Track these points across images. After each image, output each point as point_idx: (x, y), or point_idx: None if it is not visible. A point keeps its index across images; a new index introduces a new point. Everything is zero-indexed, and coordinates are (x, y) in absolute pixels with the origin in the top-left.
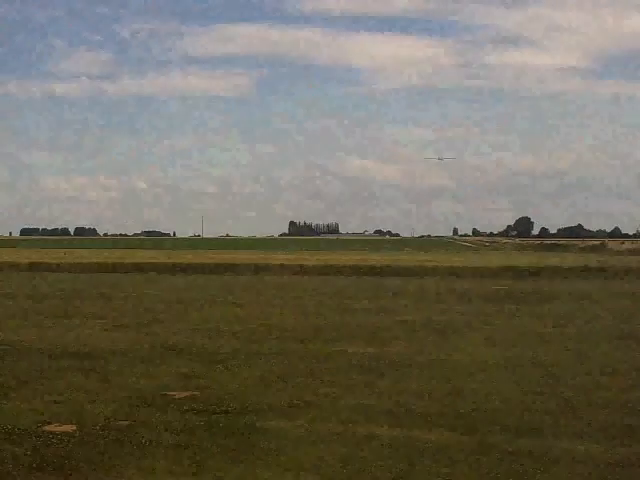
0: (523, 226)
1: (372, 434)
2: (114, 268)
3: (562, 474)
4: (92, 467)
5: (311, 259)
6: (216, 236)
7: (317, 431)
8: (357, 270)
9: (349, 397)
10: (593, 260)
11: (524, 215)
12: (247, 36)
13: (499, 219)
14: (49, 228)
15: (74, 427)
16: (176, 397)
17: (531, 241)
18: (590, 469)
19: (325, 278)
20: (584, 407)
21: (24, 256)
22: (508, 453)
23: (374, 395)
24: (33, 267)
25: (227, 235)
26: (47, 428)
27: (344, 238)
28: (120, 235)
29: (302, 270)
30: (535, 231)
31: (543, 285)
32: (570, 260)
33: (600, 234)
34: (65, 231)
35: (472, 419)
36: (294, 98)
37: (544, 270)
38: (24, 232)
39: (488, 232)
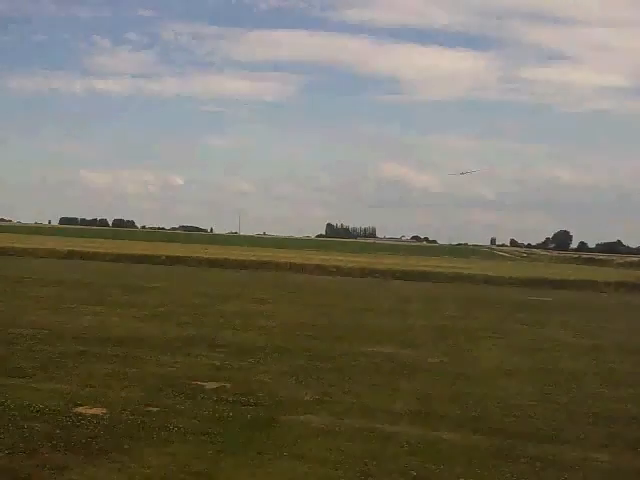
0: (561, 239)
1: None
2: (146, 260)
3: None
4: (118, 449)
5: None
6: (253, 234)
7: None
8: (392, 274)
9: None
10: (631, 276)
11: (563, 228)
12: (290, 43)
13: (538, 231)
14: (88, 218)
15: (104, 410)
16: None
17: (569, 254)
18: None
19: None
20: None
21: (63, 244)
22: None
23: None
24: (71, 255)
25: (264, 233)
26: (77, 410)
27: (380, 242)
28: (158, 229)
29: (337, 271)
30: (574, 245)
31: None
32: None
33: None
34: (103, 222)
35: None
36: (335, 104)
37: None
38: (63, 221)
39: (526, 244)
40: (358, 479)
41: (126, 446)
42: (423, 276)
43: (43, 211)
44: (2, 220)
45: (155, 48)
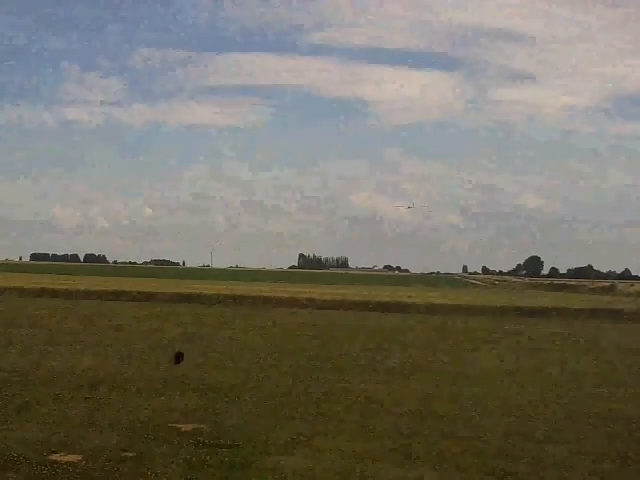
0: (533, 265)
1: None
2: (120, 296)
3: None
4: None
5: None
6: (225, 267)
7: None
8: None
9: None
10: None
11: (534, 254)
12: (259, 66)
13: (509, 258)
14: (59, 254)
15: (79, 457)
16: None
17: (541, 280)
18: None
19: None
20: None
21: (33, 281)
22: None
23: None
24: (43, 293)
25: (236, 266)
26: (52, 457)
27: (353, 273)
28: (130, 263)
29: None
30: (545, 271)
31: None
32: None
33: (610, 275)
34: (75, 257)
35: None
36: (305, 130)
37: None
38: (34, 257)
39: (498, 270)
40: None
41: None
42: (398, 308)
43: (14, 247)
44: None
45: (124, 75)
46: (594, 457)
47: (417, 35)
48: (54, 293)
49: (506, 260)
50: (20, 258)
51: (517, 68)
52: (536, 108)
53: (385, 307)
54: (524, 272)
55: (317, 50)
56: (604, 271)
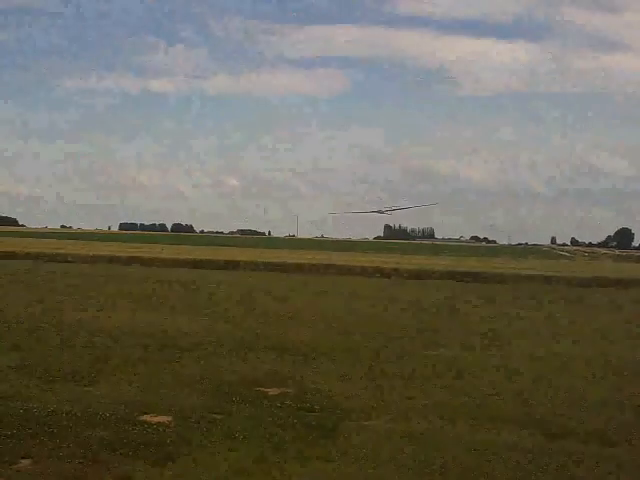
0: (623, 237)
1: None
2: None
3: None
4: (184, 456)
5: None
6: (311, 237)
7: None
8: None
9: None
10: None
11: (625, 226)
12: (343, 37)
13: (599, 229)
14: (147, 224)
15: (169, 418)
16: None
17: (631, 252)
18: None
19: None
20: None
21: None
22: None
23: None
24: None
25: (322, 236)
26: (143, 418)
27: (439, 243)
28: (216, 233)
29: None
30: (636, 243)
31: None
32: None
33: None
34: (163, 227)
35: None
36: (390, 100)
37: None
38: (122, 227)
39: (587, 242)
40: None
41: (192, 453)
42: (484, 278)
43: (103, 217)
44: (63, 227)
45: (207, 46)
46: None
47: (500, 3)
48: (142, 261)
49: (596, 231)
50: (109, 227)
51: (605, 36)
52: (622, 75)
53: (469, 277)
54: (614, 244)
55: (399, 21)
56: None
